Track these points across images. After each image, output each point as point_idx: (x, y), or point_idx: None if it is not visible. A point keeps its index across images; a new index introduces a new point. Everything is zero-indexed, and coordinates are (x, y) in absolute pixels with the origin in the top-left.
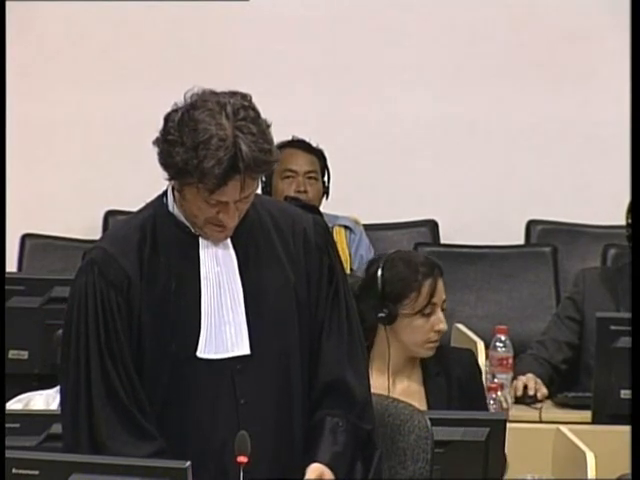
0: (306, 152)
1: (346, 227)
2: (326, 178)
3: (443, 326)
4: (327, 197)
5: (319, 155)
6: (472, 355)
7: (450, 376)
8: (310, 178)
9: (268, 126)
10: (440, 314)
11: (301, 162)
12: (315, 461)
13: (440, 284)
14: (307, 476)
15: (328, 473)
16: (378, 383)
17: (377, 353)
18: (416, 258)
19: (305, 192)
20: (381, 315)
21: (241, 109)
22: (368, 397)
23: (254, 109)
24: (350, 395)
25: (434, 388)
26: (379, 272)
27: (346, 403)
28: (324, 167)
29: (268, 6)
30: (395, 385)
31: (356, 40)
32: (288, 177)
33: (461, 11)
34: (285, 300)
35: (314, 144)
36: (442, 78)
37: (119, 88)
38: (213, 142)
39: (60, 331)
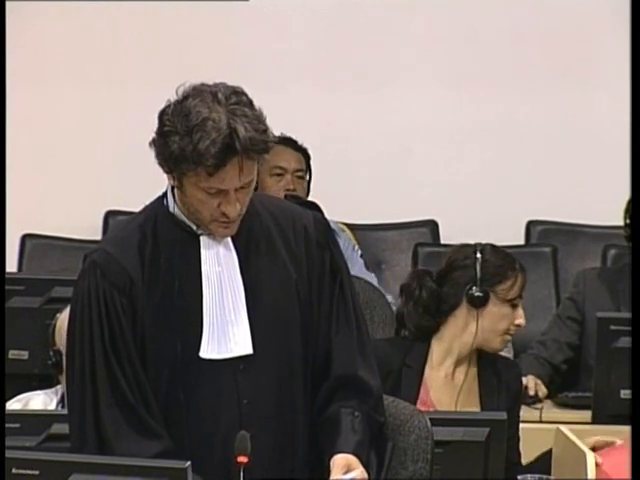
0: (294, 150)
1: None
2: (308, 176)
3: (523, 321)
4: (308, 195)
5: (305, 153)
6: (518, 367)
7: (501, 380)
8: (298, 177)
9: (261, 113)
10: (522, 310)
11: (290, 160)
12: (339, 452)
13: None
14: (334, 469)
15: (355, 462)
16: (437, 370)
17: (446, 337)
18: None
19: (294, 190)
20: (478, 295)
21: (233, 95)
22: (380, 390)
23: (246, 96)
24: (364, 388)
25: (488, 388)
26: (478, 255)
27: (361, 395)
28: (308, 166)
29: (268, 6)
30: (454, 375)
31: (356, 40)
32: (277, 174)
33: (461, 13)
34: (287, 298)
35: (299, 142)
36: (442, 78)
37: (119, 88)
38: (208, 124)
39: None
